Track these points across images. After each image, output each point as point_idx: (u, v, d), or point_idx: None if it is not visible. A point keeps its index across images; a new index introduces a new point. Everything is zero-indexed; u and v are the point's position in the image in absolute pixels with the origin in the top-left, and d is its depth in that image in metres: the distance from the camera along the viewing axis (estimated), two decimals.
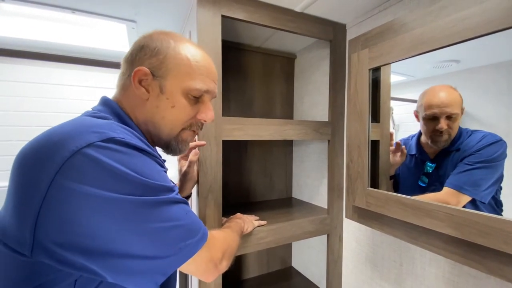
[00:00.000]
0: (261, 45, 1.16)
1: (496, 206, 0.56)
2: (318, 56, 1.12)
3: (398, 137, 0.78)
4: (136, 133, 0.46)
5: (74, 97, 1.97)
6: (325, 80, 1.04)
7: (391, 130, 0.77)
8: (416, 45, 0.59)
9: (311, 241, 1.19)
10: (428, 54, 0.58)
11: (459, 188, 0.60)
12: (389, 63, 0.67)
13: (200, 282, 0.76)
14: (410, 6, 0.74)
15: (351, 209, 0.80)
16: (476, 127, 0.59)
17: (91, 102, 2.03)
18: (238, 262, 1.21)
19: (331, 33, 0.94)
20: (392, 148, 0.77)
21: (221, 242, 0.54)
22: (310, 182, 1.19)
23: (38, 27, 1.18)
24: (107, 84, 2.04)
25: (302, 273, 1.26)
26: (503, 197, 0.55)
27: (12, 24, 1.15)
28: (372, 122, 0.74)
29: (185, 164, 0.75)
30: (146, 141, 0.48)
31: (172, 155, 0.60)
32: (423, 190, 0.69)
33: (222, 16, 0.76)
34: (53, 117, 1.92)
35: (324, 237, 1.04)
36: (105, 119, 0.47)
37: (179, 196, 0.46)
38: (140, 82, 0.51)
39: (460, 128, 0.62)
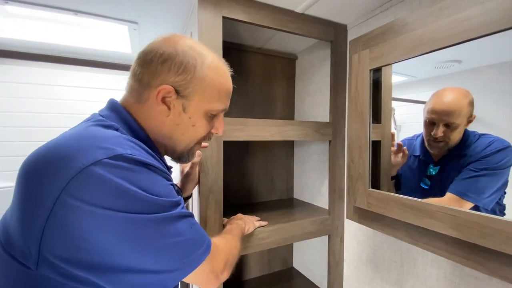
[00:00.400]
0: (262, 46, 1.16)
1: (499, 211, 0.55)
2: (319, 57, 1.12)
3: (399, 137, 0.78)
4: (144, 146, 0.46)
5: (76, 98, 1.98)
6: (326, 81, 1.04)
7: (393, 130, 0.77)
8: (417, 46, 0.59)
9: (312, 242, 1.19)
10: (430, 54, 0.58)
11: (462, 195, 0.59)
12: (390, 64, 0.67)
13: None
14: (411, 6, 0.74)
15: (352, 210, 0.80)
16: (479, 128, 0.59)
17: (93, 103, 2.04)
18: (239, 263, 1.20)
19: (332, 34, 0.94)
20: (394, 148, 0.76)
21: (224, 252, 0.55)
22: (311, 183, 1.19)
23: (40, 29, 1.19)
24: (109, 85, 2.05)
25: (303, 273, 1.26)
26: (506, 199, 0.55)
27: (15, 26, 1.16)
28: (373, 122, 0.74)
29: (188, 165, 0.76)
30: (154, 153, 0.48)
31: (181, 163, 0.62)
32: (425, 192, 0.69)
33: (223, 17, 0.76)
34: (56, 118, 1.94)
35: (325, 238, 1.04)
36: (112, 128, 0.47)
37: (184, 209, 0.47)
38: (163, 99, 0.50)
39: (467, 132, 0.61)
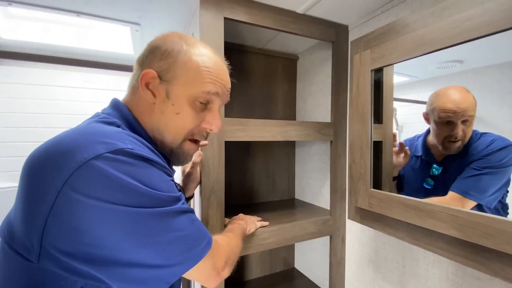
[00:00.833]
0: (264, 47, 1.17)
1: (502, 210, 0.55)
2: (320, 57, 1.12)
3: (401, 138, 0.78)
4: (145, 141, 0.46)
5: (78, 98, 1.99)
6: (328, 81, 1.04)
7: (394, 131, 0.77)
8: (418, 46, 0.59)
9: (313, 242, 1.18)
10: (432, 55, 0.58)
11: (464, 193, 0.59)
12: (391, 64, 0.67)
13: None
14: (412, 7, 0.74)
15: (354, 210, 0.80)
16: (480, 128, 0.59)
17: (95, 104, 2.05)
18: (240, 263, 1.21)
19: (333, 34, 0.94)
20: (396, 149, 0.76)
21: (225, 250, 0.55)
22: (313, 183, 1.19)
23: (43, 30, 1.20)
24: (111, 85, 2.06)
25: (305, 274, 1.25)
26: (509, 198, 0.55)
27: (18, 27, 1.17)
28: (375, 123, 0.74)
29: (188, 166, 0.76)
30: (155, 149, 0.48)
31: (176, 165, 0.59)
32: (428, 193, 0.69)
33: (225, 18, 0.76)
34: (58, 118, 1.95)
35: (327, 238, 1.04)
36: (114, 124, 0.47)
37: (185, 205, 0.47)
38: (147, 85, 0.50)
39: None
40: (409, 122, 0.76)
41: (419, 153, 0.73)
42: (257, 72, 1.20)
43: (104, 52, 1.46)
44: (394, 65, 0.68)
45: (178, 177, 0.81)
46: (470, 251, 0.52)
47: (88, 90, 2.02)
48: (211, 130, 0.55)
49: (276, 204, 1.18)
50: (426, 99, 0.68)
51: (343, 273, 1.03)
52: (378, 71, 0.73)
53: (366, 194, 0.74)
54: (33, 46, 1.36)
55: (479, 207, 0.57)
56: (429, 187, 0.69)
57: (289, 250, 1.33)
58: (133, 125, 0.51)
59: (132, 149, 0.41)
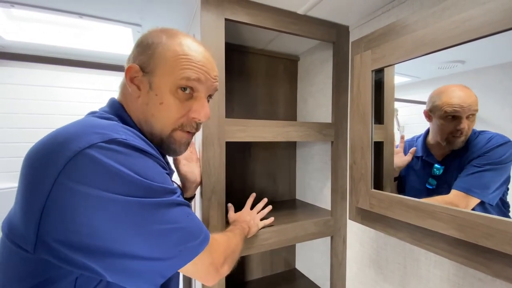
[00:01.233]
0: (265, 48, 1.17)
1: (504, 207, 0.56)
2: (321, 58, 1.12)
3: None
4: (139, 134, 0.47)
5: (80, 99, 2.01)
6: (328, 82, 1.04)
7: (396, 131, 0.77)
8: (418, 47, 0.59)
9: (315, 243, 1.18)
10: (433, 55, 0.58)
11: (468, 191, 0.59)
12: (392, 65, 0.67)
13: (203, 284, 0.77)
14: (413, 7, 0.74)
15: (355, 210, 0.80)
16: (482, 128, 0.59)
17: (97, 105, 2.05)
18: (241, 264, 1.21)
19: (334, 35, 0.94)
20: (399, 149, 0.76)
21: (224, 246, 0.54)
22: (314, 184, 1.19)
23: (45, 32, 1.21)
24: (113, 86, 2.07)
25: (306, 275, 1.25)
26: (510, 197, 0.55)
27: (21, 28, 1.18)
28: (376, 123, 0.74)
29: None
30: (149, 142, 0.48)
31: (170, 155, 0.59)
32: (430, 193, 0.68)
33: (226, 19, 0.76)
34: (61, 119, 1.96)
35: (328, 239, 1.04)
36: (110, 120, 0.48)
37: (180, 198, 0.46)
38: (132, 79, 0.51)
39: None
40: (410, 123, 0.76)
41: (419, 153, 0.73)
42: (258, 72, 1.20)
43: (106, 54, 1.46)
44: (395, 65, 0.68)
45: (177, 178, 0.81)
46: (471, 251, 0.52)
47: (90, 91, 2.03)
48: (199, 119, 0.54)
49: (277, 204, 1.18)
50: (427, 99, 0.68)
51: (344, 273, 1.03)
52: (379, 72, 0.73)
53: (367, 194, 0.73)
54: (35, 47, 1.37)
55: (481, 205, 0.57)
56: (432, 187, 0.69)
57: (290, 250, 1.33)
58: (126, 121, 0.52)
59: (125, 139, 0.41)
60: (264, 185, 1.24)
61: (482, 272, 0.50)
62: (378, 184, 0.74)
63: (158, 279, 0.41)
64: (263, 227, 0.85)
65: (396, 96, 0.75)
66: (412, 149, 0.75)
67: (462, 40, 0.51)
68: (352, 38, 0.96)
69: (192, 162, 0.78)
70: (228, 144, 0.79)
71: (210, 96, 0.58)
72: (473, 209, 0.56)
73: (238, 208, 0.89)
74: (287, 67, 1.27)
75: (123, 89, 0.55)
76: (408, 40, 0.61)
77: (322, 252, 1.13)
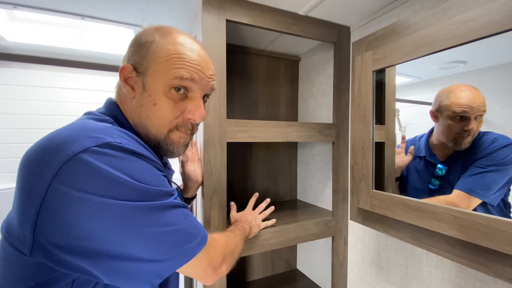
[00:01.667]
0: (266, 48, 1.17)
1: (505, 208, 0.56)
2: (322, 59, 1.12)
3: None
4: (134, 136, 0.46)
5: (82, 100, 2.02)
6: (330, 82, 1.04)
7: (397, 131, 0.77)
8: (419, 47, 0.59)
9: (316, 243, 1.18)
10: (434, 55, 0.58)
11: (470, 191, 0.59)
12: (393, 65, 0.67)
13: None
14: (414, 8, 0.74)
15: (356, 211, 0.80)
16: (484, 128, 0.59)
17: (98, 106, 2.07)
18: (242, 264, 1.21)
19: (335, 36, 0.94)
20: (401, 149, 0.76)
21: (222, 246, 0.54)
22: (315, 184, 1.19)
23: (48, 33, 1.21)
24: (114, 87, 2.08)
25: (307, 275, 1.25)
26: (511, 199, 0.55)
27: (24, 30, 1.19)
28: (377, 123, 0.74)
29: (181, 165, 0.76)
30: (144, 144, 0.48)
31: (168, 157, 0.58)
32: (433, 193, 0.68)
33: (227, 20, 0.77)
34: (62, 120, 1.96)
35: (329, 239, 1.04)
36: (105, 121, 0.48)
37: (177, 200, 0.46)
38: (126, 80, 0.50)
39: None
40: (412, 123, 0.76)
41: (422, 153, 0.73)
42: (259, 73, 1.20)
43: (108, 55, 1.47)
44: (397, 66, 0.68)
45: (179, 177, 0.82)
46: (472, 252, 0.52)
47: (92, 91, 2.04)
48: (194, 120, 0.53)
49: (278, 205, 1.18)
50: (429, 99, 0.67)
51: (346, 274, 1.03)
52: (380, 72, 0.73)
53: (368, 195, 0.73)
54: (38, 48, 1.37)
55: (483, 205, 0.57)
56: (434, 188, 0.69)
57: (291, 251, 1.33)
58: (122, 122, 0.51)
59: (120, 143, 0.41)
60: (265, 185, 1.24)
61: (483, 272, 0.50)
62: (379, 184, 0.74)
63: (155, 280, 0.41)
64: (265, 228, 0.85)
65: (398, 96, 0.75)
66: (411, 148, 0.75)
67: (463, 40, 0.51)
68: (353, 38, 0.96)
69: (194, 162, 0.79)
70: (229, 145, 0.79)
71: (207, 95, 0.57)
72: (474, 210, 0.56)
73: (240, 208, 0.89)
74: (288, 68, 1.27)
75: (119, 89, 0.54)
76: (409, 41, 0.61)
77: (323, 252, 1.13)
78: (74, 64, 1.48)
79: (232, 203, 0.87)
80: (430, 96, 0.67)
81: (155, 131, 0.51)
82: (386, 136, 0.76)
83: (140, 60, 0.49)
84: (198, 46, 0.53)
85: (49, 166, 0.37)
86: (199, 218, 0.85)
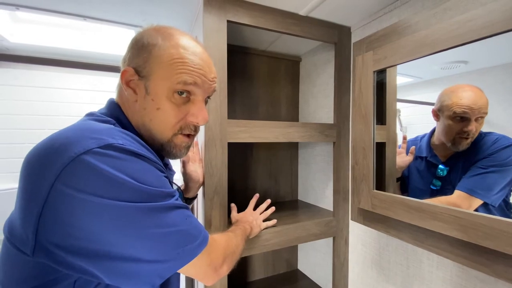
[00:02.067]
0: (266, 49, 1.17)
1: (506, 208, 0.56)
2: (323, 59, 1.12)
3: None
4: (136, 137, 0.46)
5: (84, 101, 2.03)
6: (330, 83, 1.04)
7: (398, 132, 0.77)
8: (420, 47, 0.59)
9: (317, 243, 1.18)
10: (436, 55, 0.58)
11: (471, 192, 0.59)
12: (393, 66, 0.67)
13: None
14: (414, 8, 0.74)
15: (357, 211, 0.80)
16: (485, 128, 0.59)
17: (100, 106, 2.07)
18: (243, 264, 1.21)
19: (336, 36, 0.94)
20: (402, 149, 0.76)
21: (223, 247, 0.54)
22: (316, 185, 1.19)
23: (50, 34, 1.22)
24: (115, 87, 2.09)
25: (308, 276, 1.25)
26: None
27: (26, 31, 1.20)
28: (378, 124, 0.74)
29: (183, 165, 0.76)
30: (146, 145, 0.48)
31: (170, 159, 0.59)
32: (434, 193, 0.68)
33: (228, 21, 0.77)
34: (64, 120, 1.97)
35: (330, 239, 1.04)
36: (107, 122, 0.48)
37: (179, 201, 0.46)
38: (128, 83, 0.50)
39: None
40: (413, 123, 0.76)
41: (424, 154, 0.72)
42: (260, 74, 1.20)
43: (110, 55, 1.48)
44: (397, 66, 0.68)
45: (180, 178, 0.82)
46: (473, 252, 0.51)
47: (94, 92, 2.05)
48: (197, 123, 0.53)
49: (279, 205, 1.18)
50: (430, 100, 0.67)
51: (347, 274, 1.02)
52: (381, 72, 0.73)
53: (369, 195, 0.73)
54: (40, 49, 1.38)
55: (484, 206, 0.57)
56: (436, 188, 0.69)
57: (292, 251, 1.33)
58: (123, 122, 0.51)
59: (122, 144, 0.41)
60: (266, 185, 1.24)
61: (484, 273, 0.50)
62: (380, 184, 0.74)
63: (156, 280, 0.41)
64: (266, 228, 0.85)
65: (399, 96, 0.75)
66: (412, 148, 0.74)
67: (464, 41, 0.51)
68: (354, 39, 0.96)
69: (195, 163, 0.79)
70: (230, 145, 0.79)
71: (208, 97, 0.57)
72: (476, 210, 0.56)
73: (240, 209, 0.89)
74: (289, 68, 1.28)
75: (120, 90, 0.54)
76: (410, 41, 0.61)
77: (324, 253, 1.13)
78: (75, 65, 1.49)
79: (233, 205, 0.88)
80: (431, 96, 0.67)
81: (160, 134, 0.52)
82: (387, 136, 0.76)
83: (143, 64, 0.49)
84: (201, 48, 0.53)
85: (52, 168, 0.37)
86: (200, 218, 0.85)
